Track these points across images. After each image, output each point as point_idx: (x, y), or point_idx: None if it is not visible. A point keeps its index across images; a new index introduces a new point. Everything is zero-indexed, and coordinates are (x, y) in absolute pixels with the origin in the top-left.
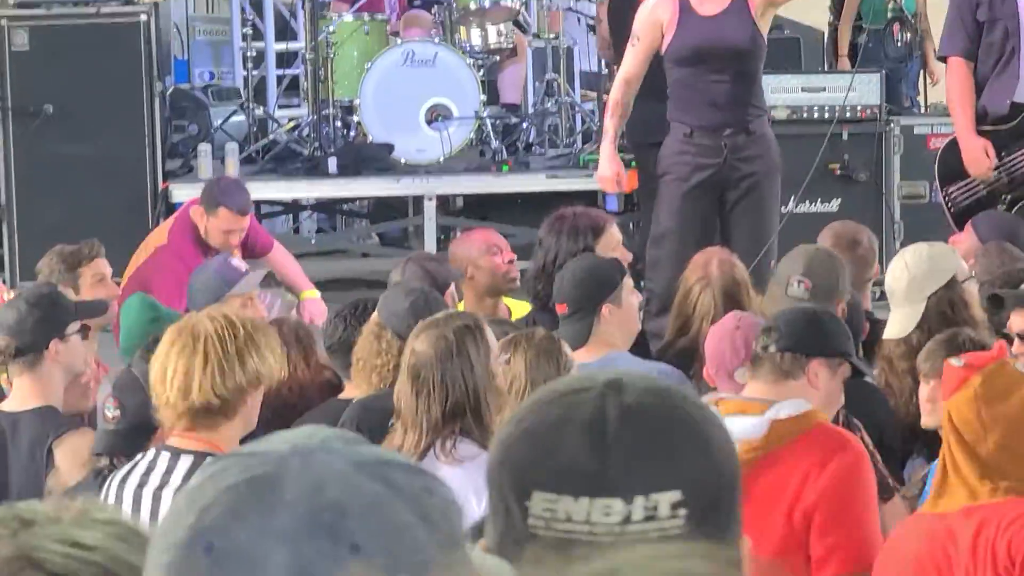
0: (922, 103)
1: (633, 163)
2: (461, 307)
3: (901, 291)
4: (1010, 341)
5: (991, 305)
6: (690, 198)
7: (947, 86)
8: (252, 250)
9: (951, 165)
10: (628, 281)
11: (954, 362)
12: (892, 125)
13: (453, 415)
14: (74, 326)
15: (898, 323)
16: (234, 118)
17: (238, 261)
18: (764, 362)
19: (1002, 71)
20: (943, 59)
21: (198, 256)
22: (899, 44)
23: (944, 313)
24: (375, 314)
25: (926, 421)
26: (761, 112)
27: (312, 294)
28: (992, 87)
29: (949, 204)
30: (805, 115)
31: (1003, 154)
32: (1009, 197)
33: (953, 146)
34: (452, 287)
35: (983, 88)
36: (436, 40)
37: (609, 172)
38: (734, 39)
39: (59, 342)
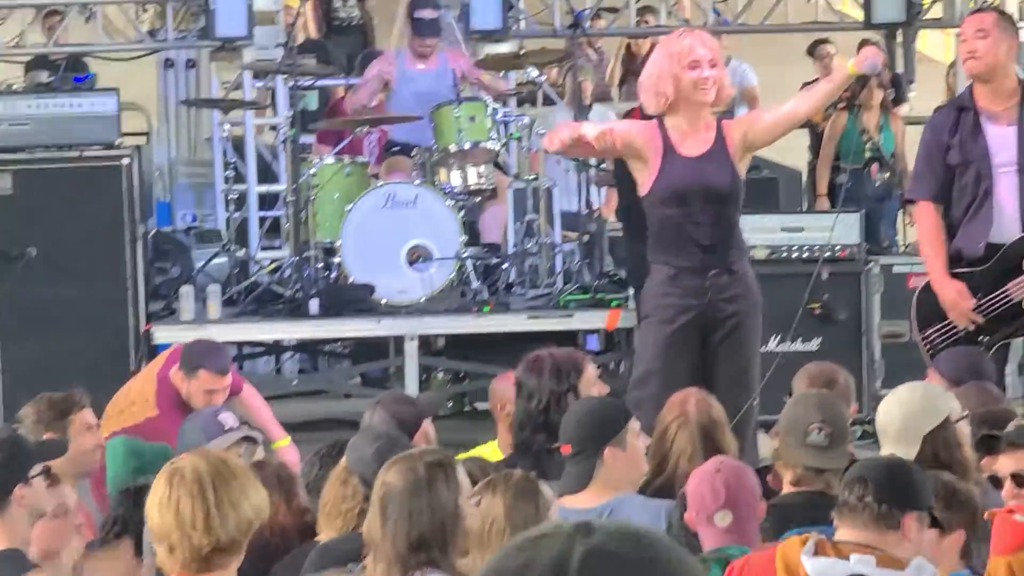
0: (901, 242)
1: (614, 302)
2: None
3: (894, 430)
4: (999, 484)
5: (983, 447)
6: (674, 340)
7: (918, 230)
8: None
9: (928, 308)
10: (634, 424)
11: (1019, 517)
12: (871, 264)
13: (419, 547)
14: (36, 468)
15: None
16: (216, 260)
17: (226, 415)
18: (860, 512)
19: (975, 213)
20: (911, 202)
21: None
22: (877, 184)
23: (937, 454)
24: (343, 459)
25: None
26: (743, 252)
27: (284, 443)
28: (966, 229)
29: (928, 347)
30: (785, 255)
31: (979, 295)
32: (987, 339)
33: (929, 289)
34: (426, 424)
35: (957, 230)
36: (417, 182)
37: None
38: (717, 181)
39: (23, 486)
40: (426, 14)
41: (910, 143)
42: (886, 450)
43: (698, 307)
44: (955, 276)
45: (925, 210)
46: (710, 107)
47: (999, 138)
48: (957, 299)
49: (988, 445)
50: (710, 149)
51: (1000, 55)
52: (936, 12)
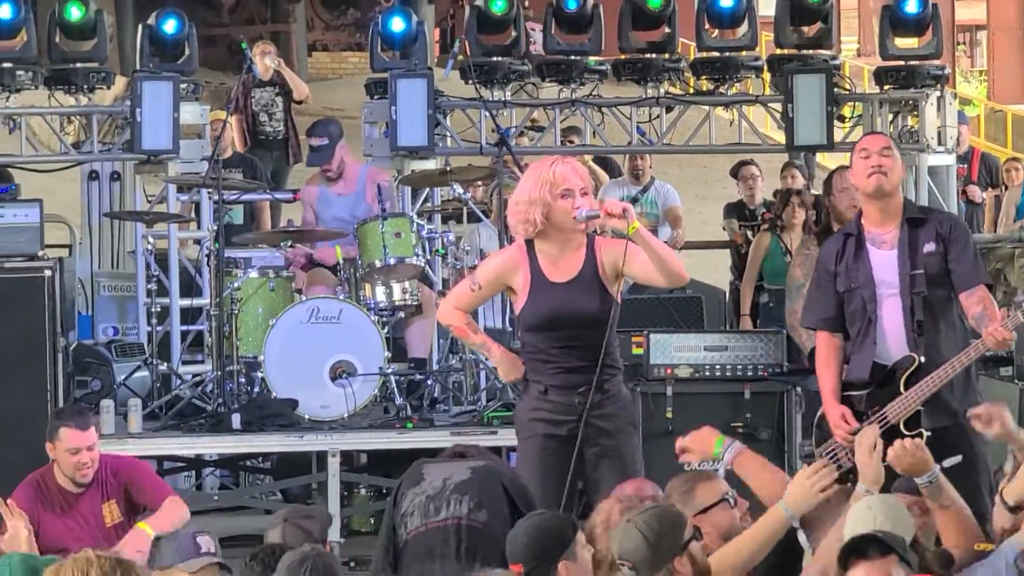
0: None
1: None
2: None
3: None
4: None
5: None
6: (548, 454)
7: (816, 358)
8: (131, 504)
9: (825, 429)
10: (581, 536)
11: None
12: (794, 385)
13: None
14: None
15: None
16: (137, 373)
17: (205, 539)
18: None
19: (863, 338)
20: (810, 328)
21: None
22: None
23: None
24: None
25: None
26: (616, 371)
27: (145, 527)
28: (854, 357)
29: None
30: (707, 374)
31: (869, 413)
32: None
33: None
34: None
35: (849, 356)
36: (341, 297)
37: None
38: (585, 306)
39: None
40: (313, 142)
41: None
42: None
43: (568, 423)
44: (851, 400)
45: (819, 337)
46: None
47: (883, 262)
48: (839, 422)
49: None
50: (579, 273)
51: (900, 174)
52: (857, 135)
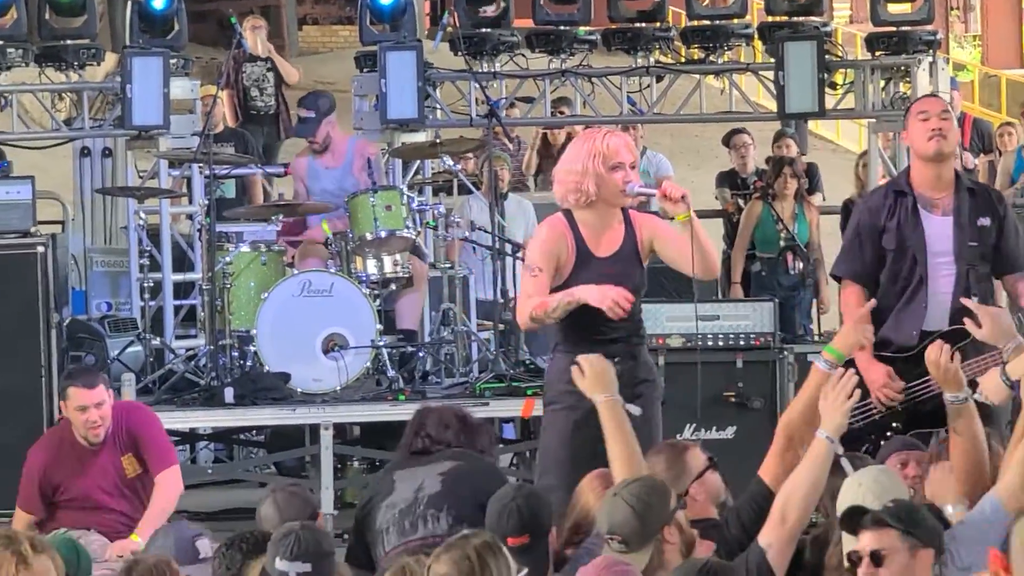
0: (815, 330)
1: (530, 391)
2: None
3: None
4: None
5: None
6: (581, 426)
7: (843, 309)
8: (143, 459)
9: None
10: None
11: None
12: (786, 353)
13: None
14: None
15: None
16: (131, 348)
17: (204, 543)
18: None
19: (910, 300)
20: (837, 278)
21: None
22: (792, 273)
23: None
24: (267, 560)
25: None
26: (643, 340)
27: (135, 538)
28: (899, 317)
29: None
30: (700, 343)
31: (904, 382)
32: (899, 426)
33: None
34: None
35: (887, 315)
36: (332, 270)
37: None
38: (627, 282)
39: None
40: (301, 113)
41: (825, 233)
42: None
43: None
44: (887, 359)
45: (852, 290)
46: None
47: (937, 227)
48: (887, 381)
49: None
50: (620, 248)
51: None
52: (849, 102)
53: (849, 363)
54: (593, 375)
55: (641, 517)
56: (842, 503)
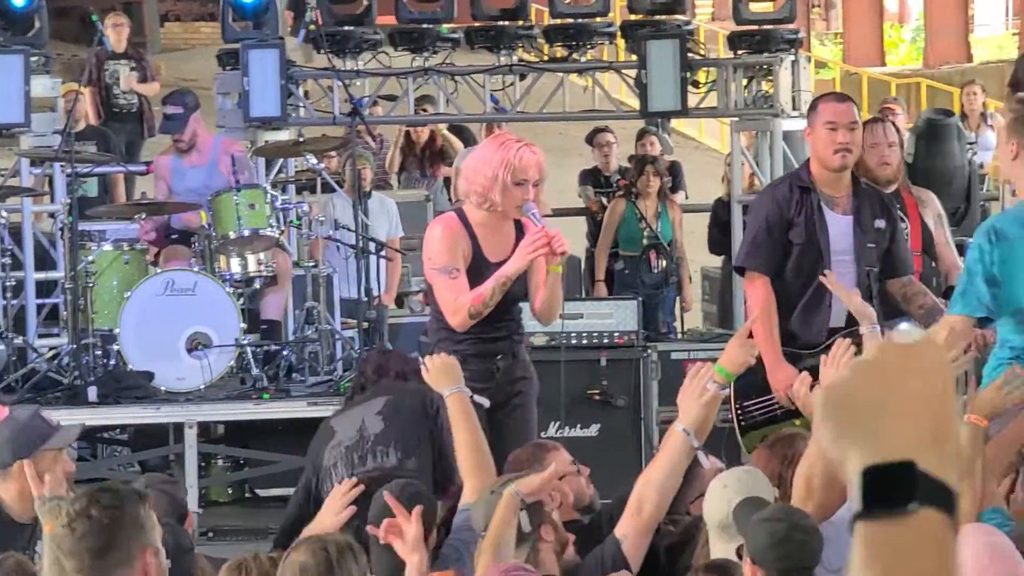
0: (679, 328)
1: None
2: None
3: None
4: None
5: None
6: None
7: (750, 303)
8: None
9: (746, 380)
10: None
11: None
12: (649, 351)
13: None
14: None
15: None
16: None
17: (47, 415)
18: None
19: (815, 297)
20: (740, 271)
21: None
22: (655, 271)
23: None
24: None
25: None
26: (523, 339)
27: None
28: (806, 313)
29: (741, 418)
30: (563, 341)
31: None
32: (800, 421)
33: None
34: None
35: (791, 309)
36: (196, 269)
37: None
38: (516, 288)
39: None
40: (168, 110)
41: (687, 231)
42: (717, 542)
43: (485, 390)
44: (792, 356)
45: (760, 282)
46: None
47: (839, 226)
48: (792, 382)
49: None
50: (512, 254)
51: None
52: (711, 101)
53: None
54: (439, 369)
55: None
56: (708, 505)
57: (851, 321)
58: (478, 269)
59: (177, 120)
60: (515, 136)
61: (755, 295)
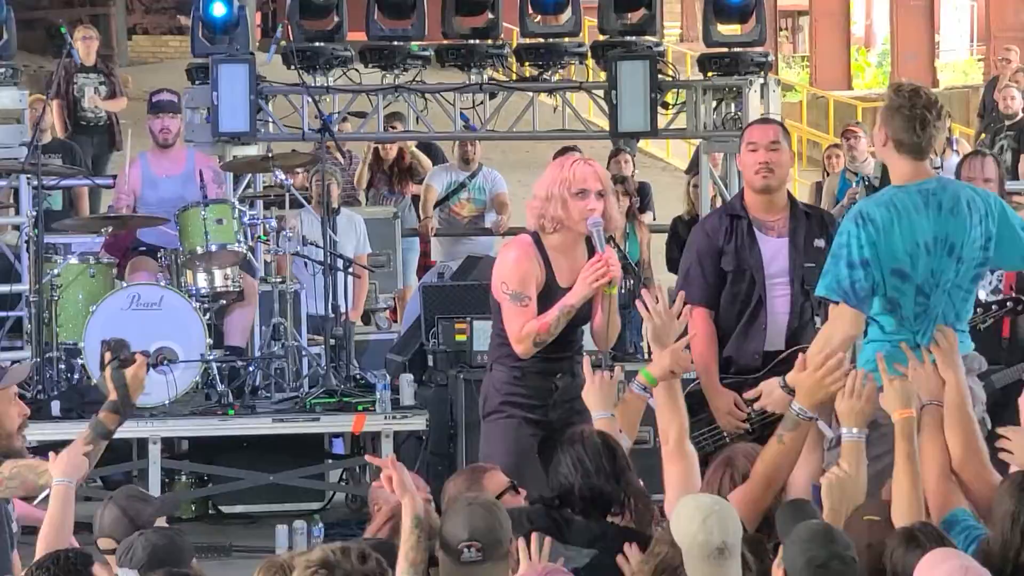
0: (645, 348)
1: (361, 406)
2: None
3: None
4: None
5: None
6: (522, 435)
7: (691, 335)
8: None
9: (695, 411)
10: None
11: None
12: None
13: None
14: None
15: None
16: None
17: None
18: None
19: (750, 321)
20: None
21: None
22: (623, 291)
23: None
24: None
25: None
26: (581, 357)
27: None
28: (741, 339)
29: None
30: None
31: (752, 403)
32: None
33: (696, 391)
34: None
35: (728, 337)
36: (162, 283)
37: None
38: (585, 313)
39: None
40: (164, 96)
41: (655, 251)
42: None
43: (542, 407)
44: (726, 384)
45: (699, 315)
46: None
47: (772, 248)
48: (732, 409)
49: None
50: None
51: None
52: (680, 122)
53: (693, 388)
54: (598, 391)
55: (502, 526)
56: (682, 533)
57: (789, 343)
58: (549, 294)
59: (170, 105)
60: (575, 155)
61: (693, 326)
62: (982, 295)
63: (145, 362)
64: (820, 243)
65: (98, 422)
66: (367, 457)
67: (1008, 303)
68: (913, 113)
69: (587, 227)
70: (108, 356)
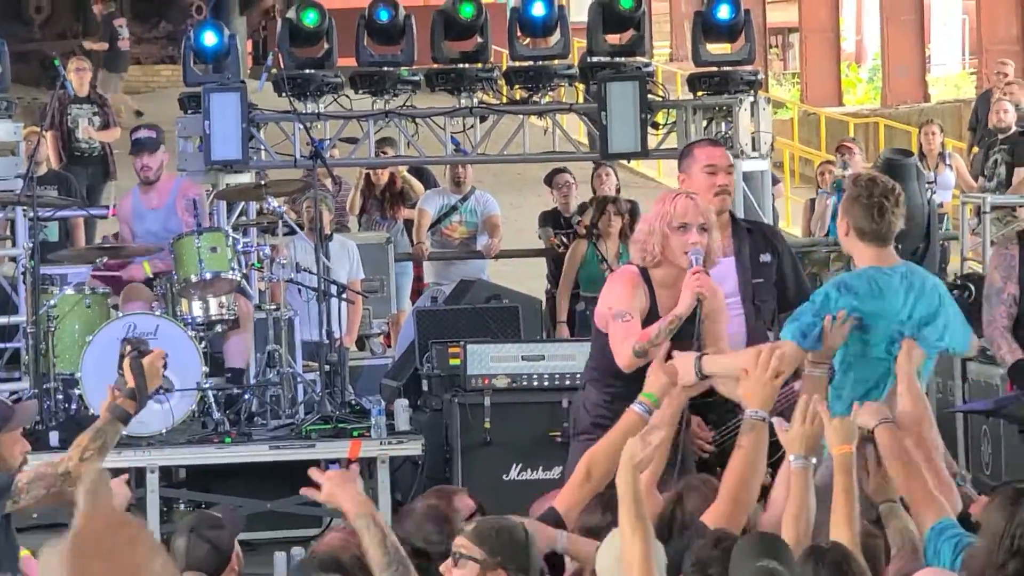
0: None
1: (356, 432)
2: None
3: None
4: None
5: None
6: None
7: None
8: None
9: (705, 416)
10: None
11: None
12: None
13: None
14: None
15: None
16: None
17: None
18: None
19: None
20: None
21: None
22: None
23: None
24: None
25: None
26: None
27: None
28: None
29: None
30: (525, 383)
31: (712, 427)
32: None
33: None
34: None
35: None
36: (157, 312)
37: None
38: (686, 336)
39: None
40: (142, 133)
41: None
42: None
43: None
44: (693, 407)
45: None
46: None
47: (720, 269)
48: (695, 430)
49: None
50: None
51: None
52: (671, 142)
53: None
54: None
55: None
56: (601, 569)
57: None
58: (650, 323)
59: (149, 143)
60: (679, 189)
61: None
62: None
63: (163, 353)
64: (766, 258)
65: (115, 406)
66: (303, 491)
67: (954, 290)
68: (871, 201)
69: (687, 258)
70: (128, 348)
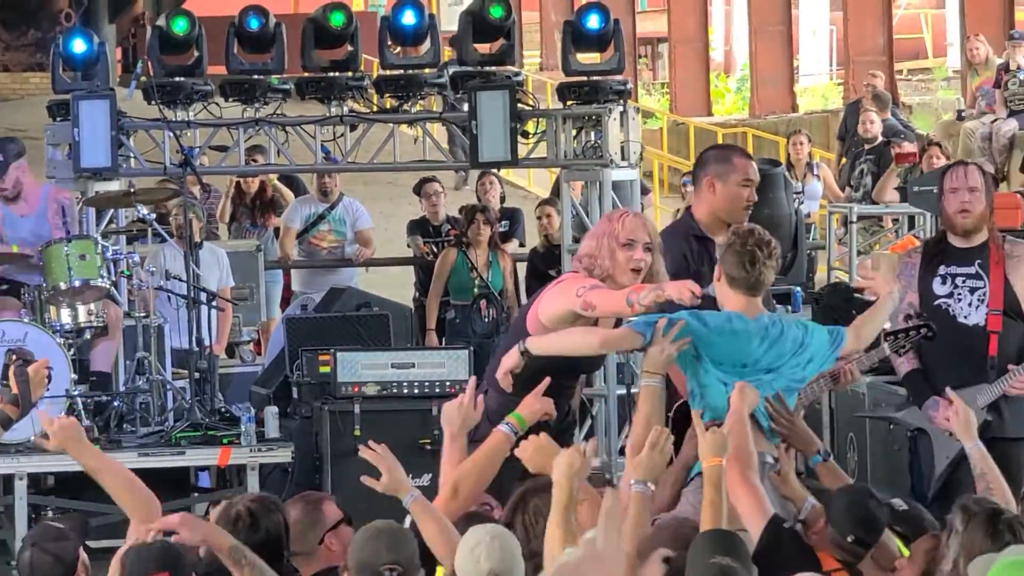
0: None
1: (226, 439)
2: None
3: None
4: None
5: None
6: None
7: None
8: None
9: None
10: None
11: None
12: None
13: None
14: None
15: None
16: None
17: None
18: None
19: None
20: None
21: None
22: (486, 320)
23: None
24: None
25: None
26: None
27: None
28: None
29: None
30: (395, 391)
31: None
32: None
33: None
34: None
35: None
36: (26, 320)
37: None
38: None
39: None
40: None
41: (520, 278)
42: None
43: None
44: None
45: None
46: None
47: None
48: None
49: None
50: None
51: None
52: (541, 151)
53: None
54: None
55: (414, 549)
56: (458, 565)
57: None
58: None
59: None
60: (625, 208)
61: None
62: (887, 325)
63: (47, 362)
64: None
65: None
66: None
67: (921, 329)
68: (744, 250)
69: (634, 278)
70: (13, 357)
